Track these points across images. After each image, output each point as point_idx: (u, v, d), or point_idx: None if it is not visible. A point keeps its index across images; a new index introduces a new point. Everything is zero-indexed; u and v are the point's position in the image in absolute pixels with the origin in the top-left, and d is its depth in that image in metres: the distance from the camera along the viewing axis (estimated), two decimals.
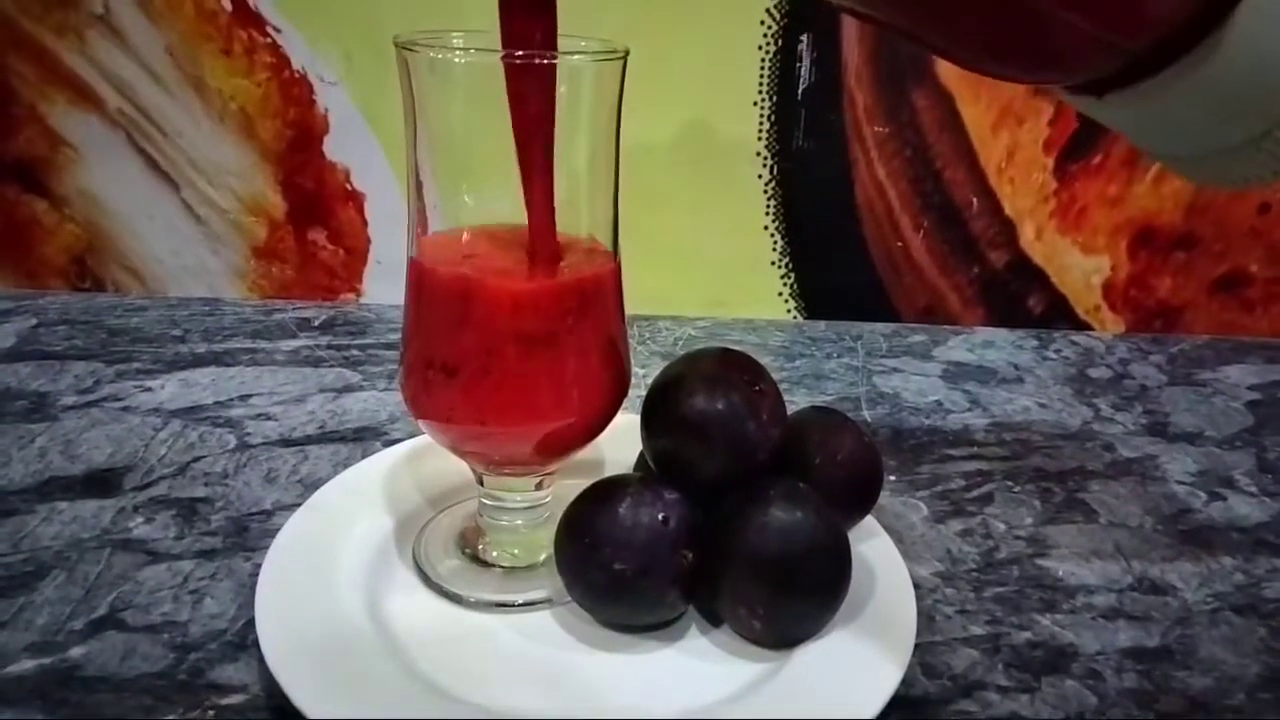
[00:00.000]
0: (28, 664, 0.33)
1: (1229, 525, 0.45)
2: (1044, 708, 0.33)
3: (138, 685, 0.32)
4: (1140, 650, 0.36)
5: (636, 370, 0.39)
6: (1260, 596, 0.40)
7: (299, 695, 0.29)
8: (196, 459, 0.46)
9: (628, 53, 0.32)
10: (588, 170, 0.33)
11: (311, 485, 0.43)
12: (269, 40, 0.61)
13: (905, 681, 0.32)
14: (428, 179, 0.33)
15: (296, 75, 0.61)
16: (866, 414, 0.54)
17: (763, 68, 0.61)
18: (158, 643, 0.34)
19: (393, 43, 0.31)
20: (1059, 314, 0.67)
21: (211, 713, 0.31)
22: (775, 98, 0.62)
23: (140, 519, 0.41)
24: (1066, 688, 0.34)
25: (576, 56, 0.31)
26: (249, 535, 0.40)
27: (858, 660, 0.32)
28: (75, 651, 0.33)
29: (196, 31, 0.60)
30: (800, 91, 0.62)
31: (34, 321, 0.60)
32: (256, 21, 0.60)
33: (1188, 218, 0.65)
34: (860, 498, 0.38)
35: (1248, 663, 0.36)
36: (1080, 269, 0.66)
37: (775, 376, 0.37)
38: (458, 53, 0.32)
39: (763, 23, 0.60)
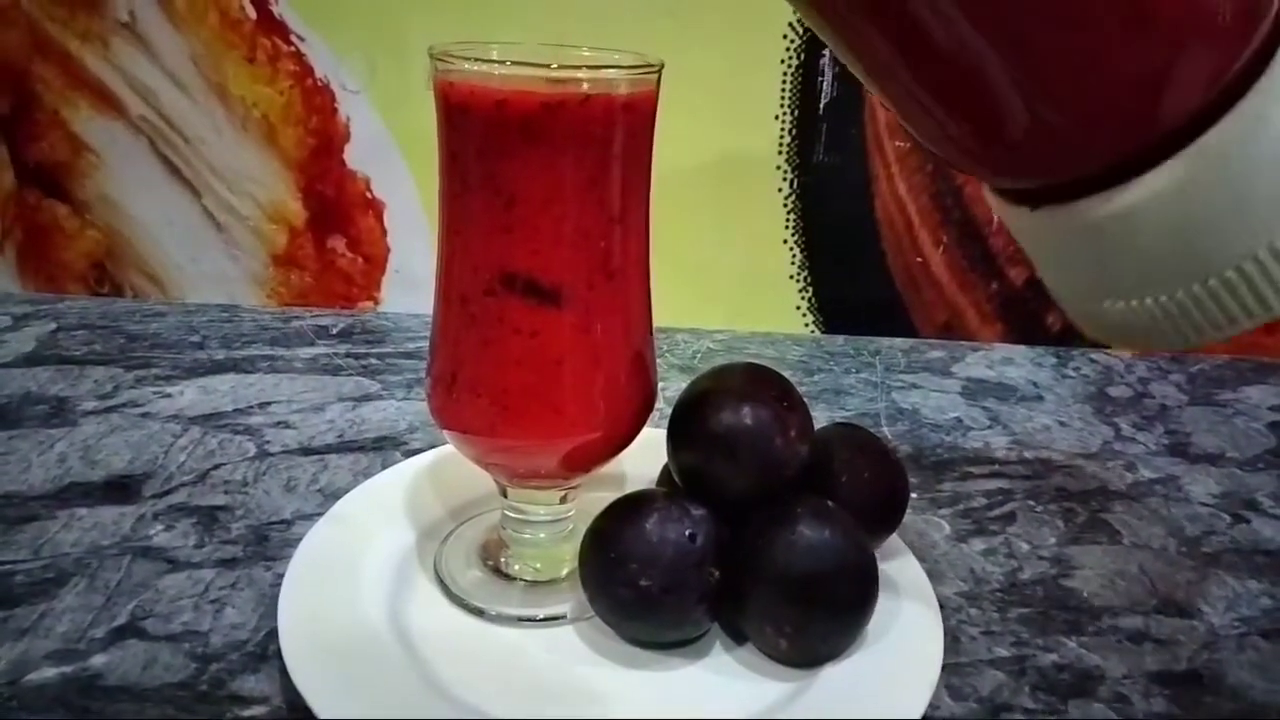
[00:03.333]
0: (49, 672, 0.32)
1: (1254, 548, 0.44)
2: None
3: (159, 695, 0.32)
4: (1168, 674, 0.36)
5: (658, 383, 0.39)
6: None
7: (321, 707, 0.29)
8: (216, 466, 0.45)
9: (662, 66, 0.32)
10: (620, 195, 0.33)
11: (331, 495, 0.43)
12: (292, 49, 0.61)
13: (931, 704, 0.32)
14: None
15: (319, 84, 0.61)
16: (886, 430, 0.53)
17: (784, 82, 0.61)
18: (179, 652, 0.34)
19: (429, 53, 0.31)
20: (1078, 332, 0.66)
21: None
22: (796, 112, 0.62)
23: (160, 526, 0.41)
24: (1094, 711, 0.34)
25: (612, 72, 0.31)
26: (269, 544, 0.40)
27: (885, 681, 0.32)
28: (96, 660, 0.33)
29: (220, 39, 0.60)
30: (822, 106, 0.62)
31: (54, 326, 0.60)
32: (280, 30, 0.60)
33: None
34: (886, 516, 0.38)
35: (1277, 689, 0.35)
36: None
37: None
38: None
39: (785, 37, 0.60)
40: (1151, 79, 0.25)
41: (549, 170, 0.31)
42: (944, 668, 0.34)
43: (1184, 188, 0.25)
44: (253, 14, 0.60)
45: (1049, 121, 0.26)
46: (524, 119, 0.30)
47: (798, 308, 0.66)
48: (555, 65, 0.31)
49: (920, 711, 0.31)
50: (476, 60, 0.30)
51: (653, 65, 0.32)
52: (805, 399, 0.36)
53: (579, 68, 0.31)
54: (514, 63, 0.31)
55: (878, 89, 0.29)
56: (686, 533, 0.33)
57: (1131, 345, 0.30)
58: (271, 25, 0.60)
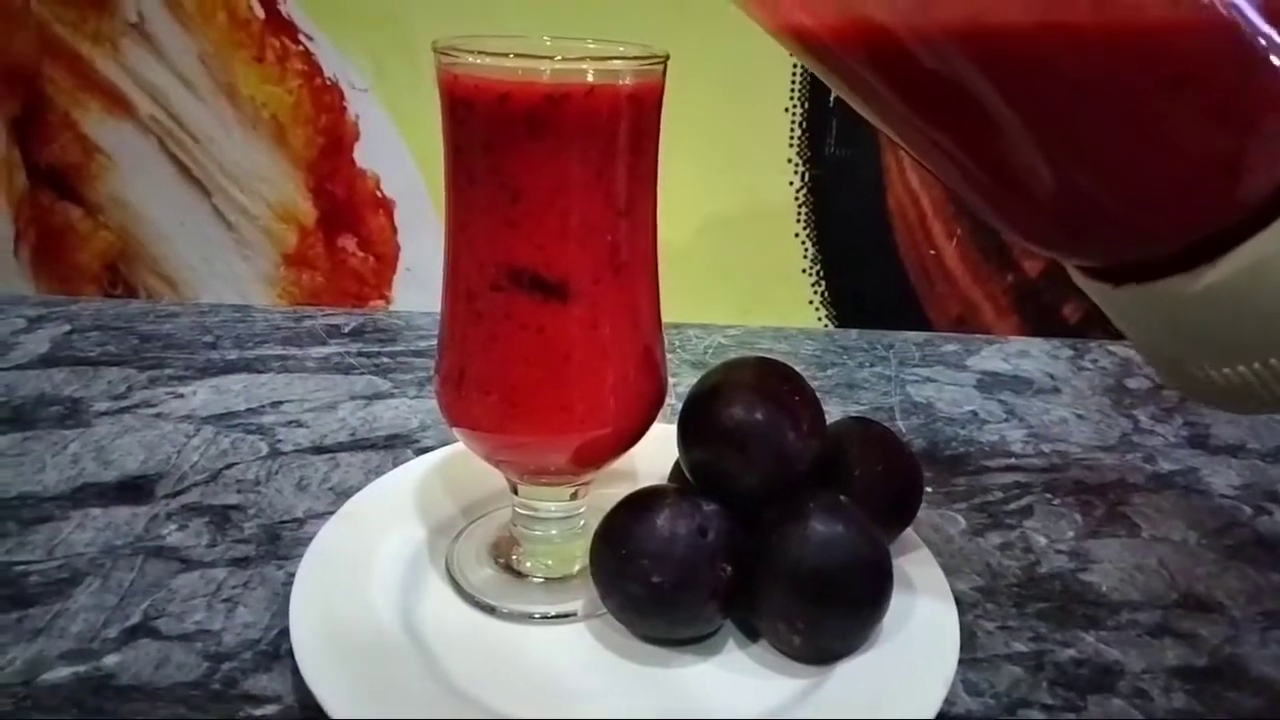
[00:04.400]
0: (63, 672, 0.32)
1: (1276, 540, 0.44)
2: None
3: (172, 695, 0.32)
4: (1189, 669, 0.35)
5: (669, 379, 0.39)
6: None
7: (334, 706, 0.29)
8: (229, 466, 0.45)
9: (667, 57, 0.32)
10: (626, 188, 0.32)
11: (343, 493, 0.43)
12: (301, 48, 0.61)
13: (947, 700, 0.32)
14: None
15: (328, 83, 0.61)
16: (900, 424, 0.53)
17: (794, 74, 0.61)
18: (191, 651, 0.34)
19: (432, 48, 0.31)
20: (1094, 323, 0.66)
21: None
22: (807, 104, 0.61)
23: (173, 526, 0.41)
24: (1113, 707, 0.33)
25: (617, 63, 0.31)
26: (281, 543, 0.40)
27: (901, 677, 0.32)
28: (110, 660, 0.33)
29: (229, 39, 0.60)
30: (832, 98, 0.61)
31: (67, 328, 0.60)
32: (289, 29, 0.60)
33: None
34: (900, 511, 0.37)
35: None
36: None
37: None
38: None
39: None
40: (1232, 165, 0.25)
41: (554, 164, 0.30)
42: (960, 663, 0.34)
43: (1269, 262, 0.25)
44: (261, 13, 0.60)
45: (1131, 210, 0.26)
46: (528, 112, 0.30)
47: (810, 301, 0.66)
48: (559, 57, 0.30)
49: (936, 709, 0.30)
50: (480, 53, 0.30)
51: (658, 56, 0.32)
52: (818, 393, 0.36)
53: (583, 59, 0.30)
54: (517, 55, 0.30)
55: (951, 180, 0.29)
56: (698, 528, 0.33)
57: (1228, 409, 0.30)
58: (280, 25, 0.60)
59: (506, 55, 0.30)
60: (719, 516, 0.33)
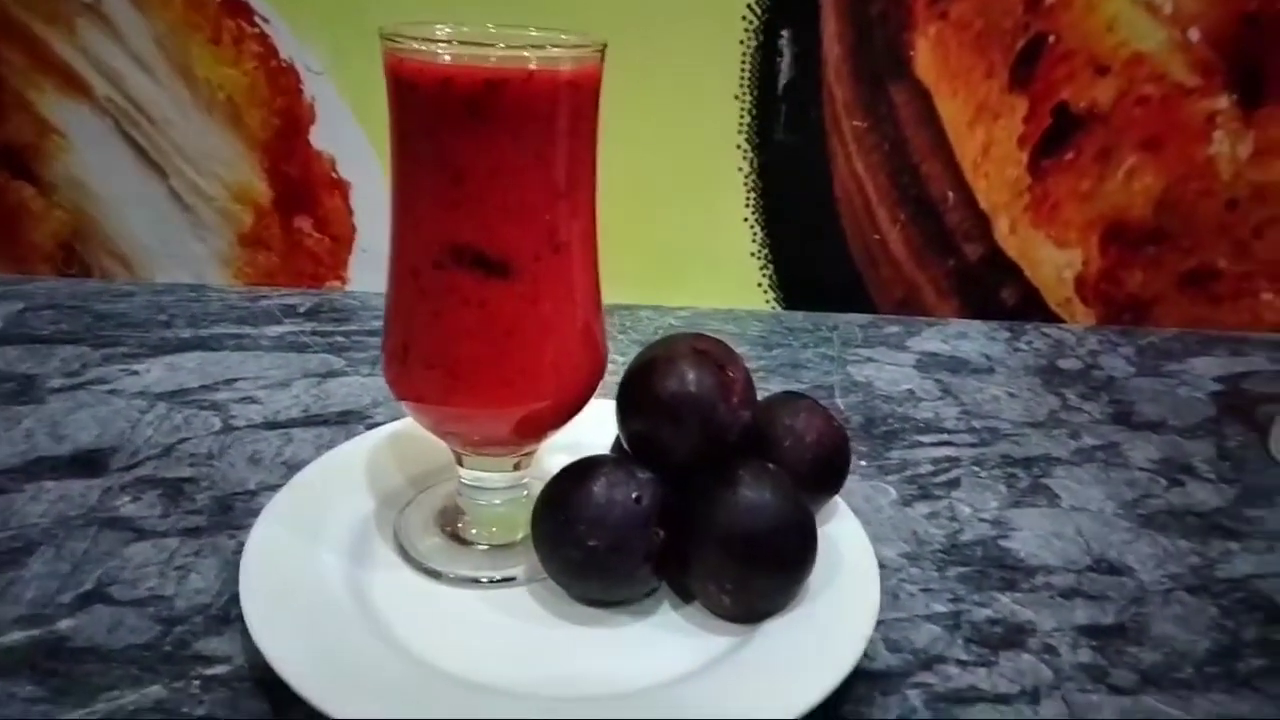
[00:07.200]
0: (17, 635, 0.33)
1: (1186, 510, 0.46)
2: (1001, 681, 0.35)
3: (125, 656, 0.33)
4: (1095, 628, 0.38)
5: (615, 357, 0.40)
6: (1213, 577, 0.41)
7: (283, 666, 0.30)
8: (182, 440, 0.46)
9: (605, 46, 0.33)
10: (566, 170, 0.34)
11: (295, 467, 0.44)
12: (257, 30, 0.61)
13: (868, 655, 0.34)
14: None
15: (284, 65, 0.62)
16: (840, 401, 0.55)
17: (744, 62, 0.62)
18: (144, 616, 0.35)
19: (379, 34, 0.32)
20: (1031, 306, 0.68)
21: (197, 683, 0.32)
22: (756, 92, 0.63)
23: (127, 498, 0.42)
24: (1023, 662, 0.36)
25: (555, 50, 0.32)
26: (233, 514, 0.41)
27: (822, 634, 0.34)
28: (64, 624, 0.34)
29: (185, 21, 0.61)
30: (780, 86, 0.63)
31: (21, 306, 0.60)
32: (244, 11, 0.61)
33: (1158, 213, 0.66)
34: (828, 478, 0.39)
35: (1198, 639, 0.37)
36: (1053, 263, 0.67)
37: (752, 365, 0.38)
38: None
39: (744, 18, 0.61)
40: None
41: (494, 146, 0.32)
42: (882, 622, 0.36)
43: None
44: None
45: None
46: (469, 96, 0.31)
47: (759, 284, 0.67)
48: (500, 44, 0.32)
49: (853, 662, 0.32)
50: (424, 39, 0.31)
51: (596, 44, 0.33)
52: (763, 373, 0.38)
53: (522, 46, 0.32)
54: (460, 41, 0.32)
55: None
56: (633, 495, 0.34)
57: None
58: (235, 7, 0.61)
59: (449, 41, 0.32)
60: (653, 484, 0.35)
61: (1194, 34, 0.62)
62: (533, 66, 0.31)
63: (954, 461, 0.49)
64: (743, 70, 0.63)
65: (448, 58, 0.31)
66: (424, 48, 0.31)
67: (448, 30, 0.34)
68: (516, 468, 0.39)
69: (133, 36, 0.61)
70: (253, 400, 0.51)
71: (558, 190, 0.34)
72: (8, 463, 0.44)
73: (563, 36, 0.34)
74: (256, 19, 0.61)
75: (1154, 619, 0.38)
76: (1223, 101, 0.63)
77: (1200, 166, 0.65)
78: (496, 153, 0.32)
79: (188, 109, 0.63)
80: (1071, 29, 0.62)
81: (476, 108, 0.31)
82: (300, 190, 0.65)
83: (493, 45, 0.31)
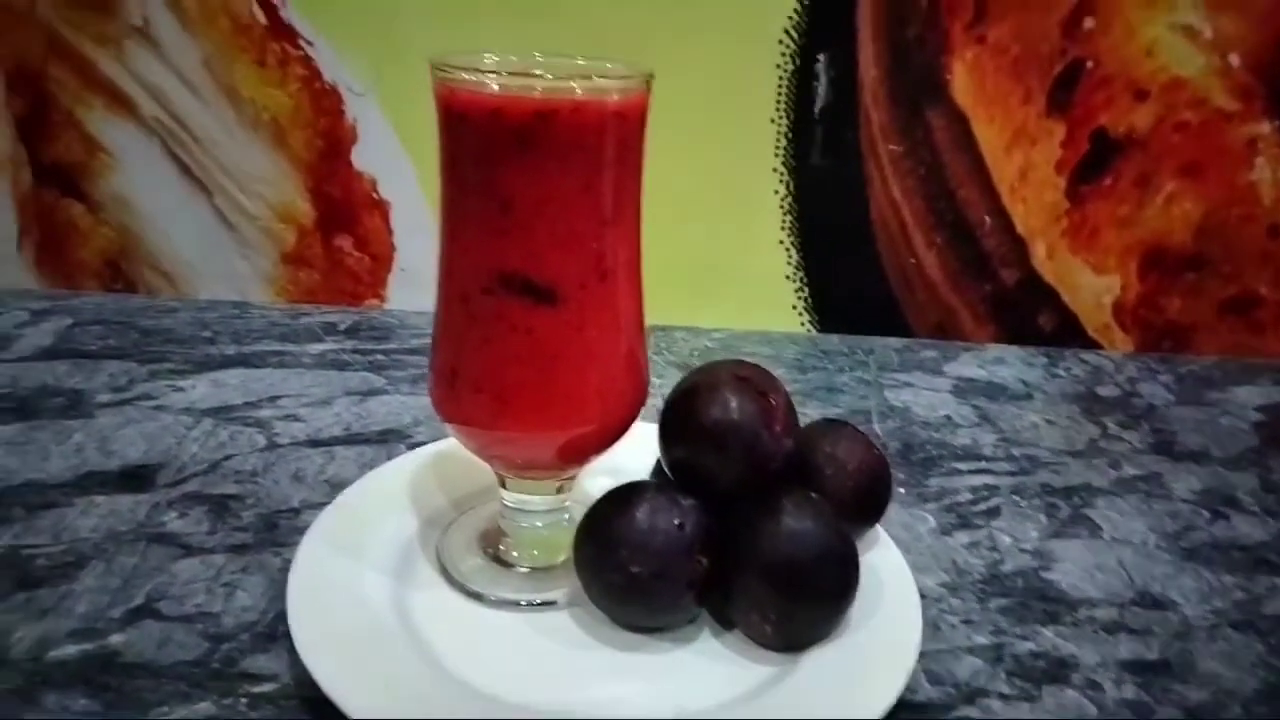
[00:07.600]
0: (71, 649, 0.34)
1: (1231, 544, 0.46)
2: (1045, 716, 0.34)
3: (174, 672, 0.33)
4: (1140, 663, 0.37)
5: (654, 380, 0.41)
6: (1259, 613, 0.41)
7: (329, 685, 0.31)
8: (227, 457, 0.47)
9: (652, 75, 0.34)
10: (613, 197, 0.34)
11: (338, 485, 0.44)
12: (301, 53, 0.62)
13: (910, 687, 0.34)
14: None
15: (327, 87, 0.63)
16: (877, 427, 0.55)
17: (780, 86, 0.63)
18: (193, 632, 0.35)
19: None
20: (1069, 332, 0.68)
21: (245, 701, 0.32)
22: (792, 116, 0.63)
23: (174, 514, 0.42)
24: (1066, 697, 0.35)
25: (603, 81, 0.33)
26: (278, 531, 0.42)
27: (864, 665, 0.34)
28: (115, 639, 0.35)
29: (231, 43, 0.62)
30: (817, 110, 0.63)
31: (70, 321, 0.62)
32: (289, 34, 0.62)
33: (1198, 239, 0.66)
34: (869, 508, 0.39)
35: (1244, 677, 0.37)
36: (1091, 288, 0.67)
37: (788, 389, 0.38)
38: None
39: (780, 42, 0.62)
40: None
41: (543, 175, 0.32)
42: (923, 654, 0.36)
43: None
44: (263, 18, 0.62)
45: None
46: (518, 126, 0.31)
47: (794, 307, 0.68)
48: (549, 75, 0.32)
49: (896, 694, 0.32)
50: (474, 70, 0.32)
51: (643, 74, 0.33)
52: (800, 397, 0.38)
53: (571, 77, 0.32)
54: (509, 73, 0.32)
55: None
56: (676, 521, 0.34)
57: None
58: (281, 30, 0.62)
59: (499, 72, 0.32)
60: (696, 511, 0.35)
61: (1234, 59, 0.62)
62: (580, 96, 0.32)
63: (993, 490, 0.49)
64: (779, 93, 0.63)
65: (497, 88, 0.32)
66: (475, 78, 0.32)
67: (496, 59, 0.35)
68: (559, 491, 0.39)
69: (180, 58, 0.63)
70: (296, 418, 0.51)
71: (604, 219, 0.34)
72: (60, 476, 0.45)
73: (609, 66, 0.34)
74: (301, 42, 0.62)
75: (1199, 655, 0.38)
76: (1264, 127, 0.63)
77: (1241, 192, 0.64)
78: (545, 182, 0.32)
79: (233, 129, 0.64)
80: (1110, 54, 0.62)
81: (526, 138, 0.32)
82: (341, 210, 0.65)
83: (542, 76, 0.32)
